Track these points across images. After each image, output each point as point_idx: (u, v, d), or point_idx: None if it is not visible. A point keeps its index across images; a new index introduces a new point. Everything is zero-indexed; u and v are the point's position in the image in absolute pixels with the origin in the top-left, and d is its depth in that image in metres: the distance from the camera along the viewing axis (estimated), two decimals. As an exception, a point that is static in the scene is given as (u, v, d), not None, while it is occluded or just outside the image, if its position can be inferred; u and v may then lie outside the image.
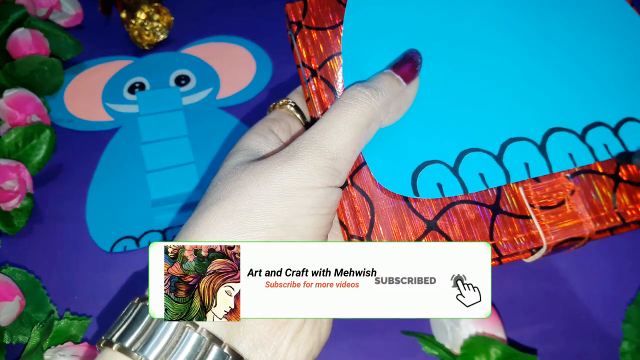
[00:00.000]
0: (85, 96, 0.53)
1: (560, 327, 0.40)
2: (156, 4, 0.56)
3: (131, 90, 0.53)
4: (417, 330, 0.39)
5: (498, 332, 0.37)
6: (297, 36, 0.30)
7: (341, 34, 0.30)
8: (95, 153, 0.49)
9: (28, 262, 0.43)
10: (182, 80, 0.54)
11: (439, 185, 0.28)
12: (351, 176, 0.28)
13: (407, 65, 0.28)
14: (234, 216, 0.23)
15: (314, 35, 0.30)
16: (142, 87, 0.53)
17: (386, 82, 0.27)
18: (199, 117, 0.52)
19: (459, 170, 0.28)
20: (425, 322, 0.39)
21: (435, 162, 0.28)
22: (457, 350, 0.36)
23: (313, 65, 0.30)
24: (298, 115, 0.32)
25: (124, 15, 0.56)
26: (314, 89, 0.30)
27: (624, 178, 0.29)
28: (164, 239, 0.44)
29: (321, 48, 0.30)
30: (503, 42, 0.30)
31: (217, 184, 0.26)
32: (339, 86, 0.29)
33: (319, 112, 0.29)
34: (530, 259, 0.29)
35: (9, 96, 0.47)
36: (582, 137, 0.29)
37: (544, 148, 0.29)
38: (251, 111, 0.52)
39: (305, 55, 0.30)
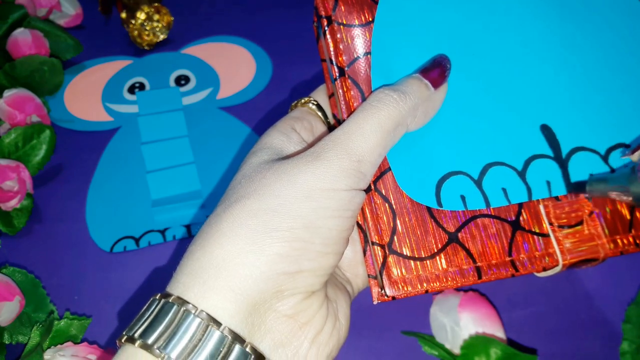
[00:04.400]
0: (85, 96, 0.53)
1: (560, 327, 0.40)
2: (156, 4, 0.56)
3: (131, 90, 0.53)
4: (417, 330, 0.39)
5: (498, 332, 0.37)
6: (327, 31, 0.30)
7: (371, 33, 0.30)
8: (95, 153, 0.49)
9: (28, 262, 0.43)
10: (182, 80, 0.54)
11: (463, 198, 0.27)
12: (375, 182, 0.28)
13: (436, 71, 0.28)
14: (259, 215, 0.23)
15: (344, 31, 0.30)
16: (142, 87, 0.53)
17: (414, 86, 0.27)
18: (199, 117, 0.51)
19: (482, 183, 0.28)
20: (425, 322, 0.39)
21: (460, 173, 0.28)
22: (457, 350, 0.36)
23: (341, 63, 0.29)
24: (320, 114, 0.31)
25: (123, 15, 0.56)
26: (340, 87, 0.29)
27: None
28: (164, 239, 0.44)
29: (350, 46, 0.30)
30: (533, 57, 0.30)
31: (241, 181, 0.26)
32: (365, 86, 0.29)
33: (344, 111, 0.29)
34: (543, 274, 0.29)
35: (9, 96, 0.47)
36: (605, 157, 0.29)
37: (566, 167, 0.29)
38: (251, 111, 0.52)
39: (333, 52, 0.29)
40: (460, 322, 0.36)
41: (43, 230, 0.45)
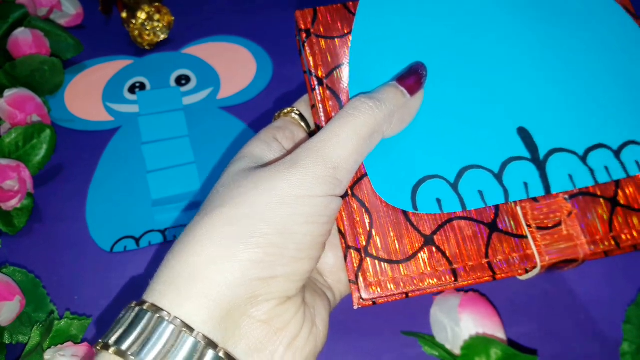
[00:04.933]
0: (86, 96, 0.53)
1: (560, 327, 0.40)
2: (157, 4, 0.56)
3: (131, 90, 0.53)
4: (417, 331, 0.39)
5: (498, 332, 0.37)
6: (306, 44, 0.31)
7: (349, 44, 0.30)
8: (96, 153, 0.49)
9: (28, 262, 0.43)
10: (182, 80, 0.54)
11: (438, 201, 0.28)
12: (352, 187, 0.28)
13: (412, 78, 0.28)
14: (234, 222, 0.24)
15: (322, 43, 0.31)
16: (142, 87, 0.53)
17: (390, 93, 0.27)
18: (199, 117, 0.51)
19: (459, 186, 0.28)
20: (425, 322, 0.39)
21: (436, 177, 0.28)
22: (457, 350, 0.36)
23: (320, 74, 0.30)
24: (303, 124, 0.32)
25: (124, 15, 0.56)
26: (319, 98, 0.30)
27: (622, 202, 0.29)
28: (164, 239, 0.44)
29: (329, 57, 0.30)
30: (509, 60, 0.30)
31: (219, 190, 0.26)
32: (345, 96, 0.30)
33: (324, 121, 0.30)
34: (524, 276, 0.29)
35: (10, 96, 0.47)
36: (583, 158, 0.29)
37: (544, 168, 0.28)
38: (251, 111, 0.52)
39: (312, 64, 0.30)
40: (461, 322, 0.36)
41: (43, 230, 0.45)
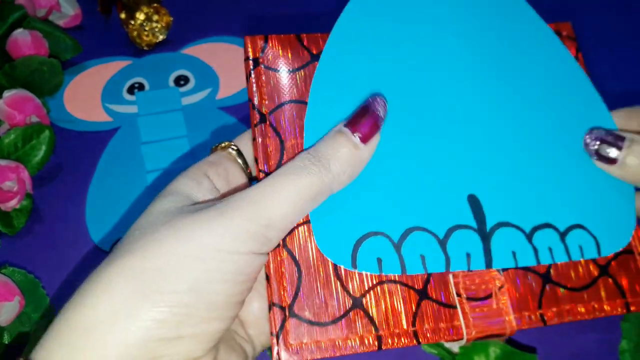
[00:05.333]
0: (85, 96, 0.53)
1: (560, 326, 0.40)
2: (155, 5, 0.56)
3: (130, 90, 0.53)
4: (417, 330, 0.39)
5: (497, 330, 0.37)
6: (253, 73, 0.29)
7: (298, 81, 0.29)
8: (95, 153, 0.49)
9: (28, 262, 0.43)
10: (181, 81, 0.54)
11: (379, 261, 0.26)
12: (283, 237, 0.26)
13: (367, 122, 0.25)
14: (140, 275, 0.21)
15: (271, 76, 0.28)
16: (141, 87, 0.53)
17: (341, 148, 0.24)
18: (198, 117, 0.52)
19: (402, 247, 0.27)
20: (424, 321, 0.39)
21: (380, 234, 0.26)
22: (456, 349, 0.36)
23: (264, 109, 0.28)
24: (240, 161, 0.29)
25: (123, 15, 0.56)
26: (260, 135, 0.28)
27: (553, 278, 0.28)
28: (164, 239, 0.44)
29: (274, 92, 0.28)
30: (471, 119, 0.29)
31: (134, 233, 0.24)
32: (289, 136, 0.28)
33: (262, 160, 0.28)
34: (449, 344, 0.28)
35: (9, 97, 0.47)
36: (529, 236, 0.28)
37: (489, 241, 0.27)
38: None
39: (257, 97, 0.28)
40: (460, 321, 0.36)
41: (43, 231, 0.45)
